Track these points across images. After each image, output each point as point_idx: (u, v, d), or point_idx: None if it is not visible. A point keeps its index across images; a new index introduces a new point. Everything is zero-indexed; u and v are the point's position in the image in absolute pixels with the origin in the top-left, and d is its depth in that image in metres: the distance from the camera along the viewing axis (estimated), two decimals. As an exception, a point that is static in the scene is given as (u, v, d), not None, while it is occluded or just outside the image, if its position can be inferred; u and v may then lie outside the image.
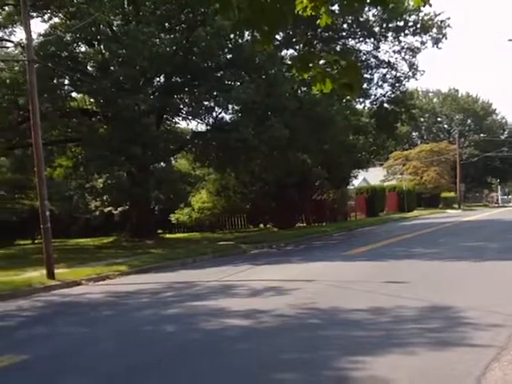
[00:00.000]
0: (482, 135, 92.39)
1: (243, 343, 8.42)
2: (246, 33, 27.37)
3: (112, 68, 26.93)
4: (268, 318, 9.96)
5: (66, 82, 28.69)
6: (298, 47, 36.61)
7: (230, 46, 27.85)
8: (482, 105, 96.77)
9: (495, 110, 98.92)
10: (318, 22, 5.69)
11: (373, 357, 7.17)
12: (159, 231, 36.36)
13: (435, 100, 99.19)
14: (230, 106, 29.41)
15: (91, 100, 31.02)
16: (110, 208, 39.06)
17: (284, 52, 36.63)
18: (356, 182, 56.02)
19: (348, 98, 35.37)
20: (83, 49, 29.74)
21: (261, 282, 14.10)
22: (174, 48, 27.01)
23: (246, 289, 13.36)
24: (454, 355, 7.11)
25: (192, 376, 6.94)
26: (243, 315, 10.23)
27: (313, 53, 5.54)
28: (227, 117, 30.85)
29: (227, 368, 7.18)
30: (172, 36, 27.69)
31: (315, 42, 36.89)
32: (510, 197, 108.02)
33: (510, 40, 60.70)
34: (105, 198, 36.53)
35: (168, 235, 36.90)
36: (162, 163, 32.94)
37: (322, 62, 5.96)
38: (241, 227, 41.74)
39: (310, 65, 5.72)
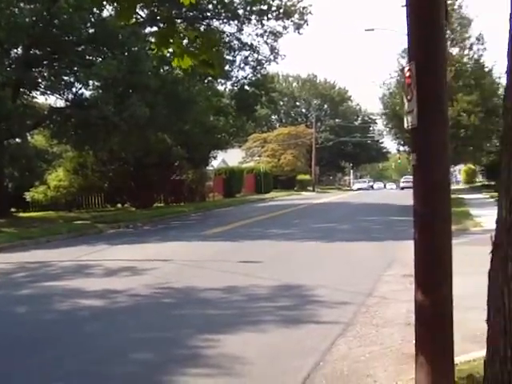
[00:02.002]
0: (337, 120, 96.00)
1: (97, 323, 8.35)
2: (110, 8, 26.78)
3: (-35, 36, 25.43)
4: (123, 297, 9.95)
5: None
6: (162, 25, 36.13)
7: (92, 20, 27.03)
8: (338, 91, 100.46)
9: (350, 96, 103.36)
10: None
11: (225, 335, 7.37)
12: (12, 210, 34.98)
13: (294, 84, 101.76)
14: (91, 82, 28.61)
15: None
16: (-43, 184, 37.10)
17: (148, 30, 36.11)
18: (215, 163, 56.55)
19: (210, 78, 35.49)
20: None
21: (116, 262, 13.97)
22: (34, 19, 25.84)
23: (101, 269, 13.22)
24: (303, 332, 7.46)
25: (40, 359, 6.74)
26: (98, 295, 10.14)
27: (173, 28, 5.48)
28: (87, 93, 30.03)
29: (80, 349, 7.10)
30: (32, 6, 26.40)
31: (180, 20, 36.62)
32: (358, 180, 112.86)
33: (366, 30, 63.15)
34: (-48, 173, 34.66)
35: (22, 214, 35.52)
36: (17, 139, 31.60)
37: (185, 41, 5.99)
38: (98, 206, 40.97)
39: (171, 40, 5.73)
